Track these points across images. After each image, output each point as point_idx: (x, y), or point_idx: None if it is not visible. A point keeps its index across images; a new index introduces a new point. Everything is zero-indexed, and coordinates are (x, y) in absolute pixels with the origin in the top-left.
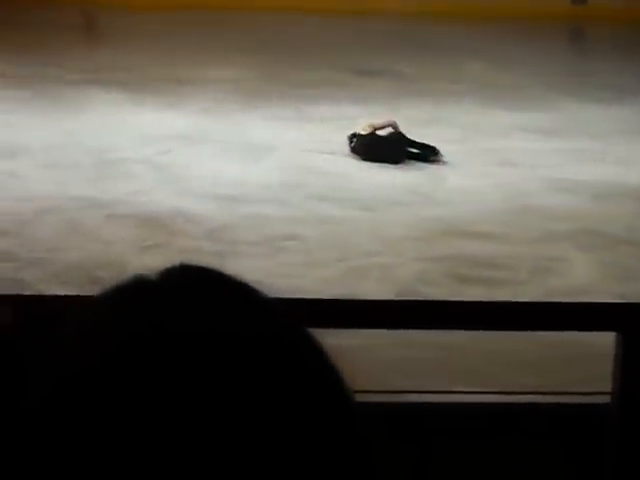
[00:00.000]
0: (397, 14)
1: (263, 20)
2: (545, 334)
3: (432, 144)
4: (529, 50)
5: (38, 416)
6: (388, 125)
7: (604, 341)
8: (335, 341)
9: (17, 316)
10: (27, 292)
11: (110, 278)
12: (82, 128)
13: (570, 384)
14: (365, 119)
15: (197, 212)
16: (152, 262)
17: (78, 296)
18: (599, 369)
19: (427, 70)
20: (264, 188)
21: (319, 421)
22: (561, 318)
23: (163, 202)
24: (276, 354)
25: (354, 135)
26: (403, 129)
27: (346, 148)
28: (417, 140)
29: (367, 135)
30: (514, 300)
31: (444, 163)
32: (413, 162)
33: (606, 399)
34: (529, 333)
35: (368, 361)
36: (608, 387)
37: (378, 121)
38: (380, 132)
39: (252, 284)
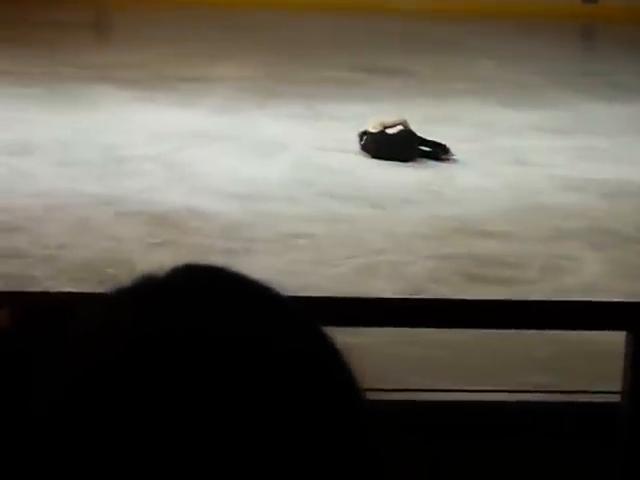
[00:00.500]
0: (409, 13)
1: (275, 18)
2: (555, 333)
3: (443, 142)
4: (540, 49)
5: (49, 419)
6: (398, 123)
7: (614, 340)
8: (346, 339)
9: (16, 319)
10: (37, 289)
11: (120, 275)
12: (93, 125)
13: (580, 383)
14: (376, 117)
15: (208, 210)
16: (162, 260)
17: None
18: (610, 368)
19: (438, 69)
20: (276, 186)
21: (330, 420)
22: (571, 317)
23: (174, 200)
24: (288, 353)
25: (364, 133)
26: (414, 127)
27: (357, 146)
28: (428, 138)
29: (377, 133)
30: (524, 299)
31: (455, 161)
32: (424, 160)
33: (616, 398)
34: (539, 331)
35: (377, 359)
36: (619, 386)
37: (388, 119)
38: (390, 130)
39: (263, 282)
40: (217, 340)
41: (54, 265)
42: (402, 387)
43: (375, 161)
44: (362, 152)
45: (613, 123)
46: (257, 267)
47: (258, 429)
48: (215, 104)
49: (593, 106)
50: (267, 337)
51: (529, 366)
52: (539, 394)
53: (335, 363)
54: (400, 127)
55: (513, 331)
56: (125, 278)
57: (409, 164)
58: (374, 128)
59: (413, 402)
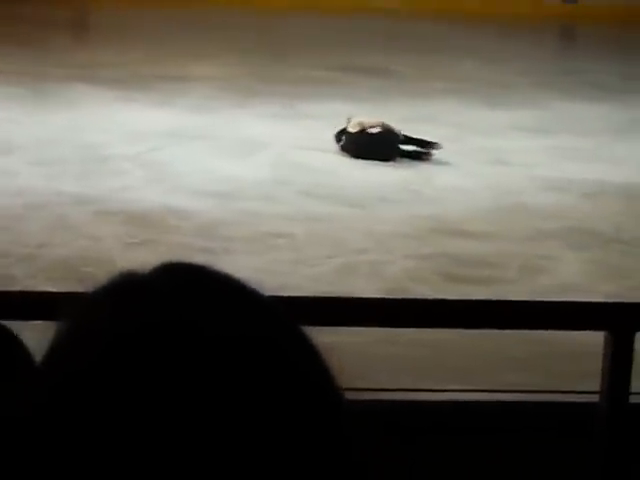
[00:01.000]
0: (390, 12)
1: (256, 17)
2: (534, 333)
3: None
4: (521, 49)
5: (35, 421)
6: (377, 125)
7: (593, 340)
8: (325, 339)
9: None
10: (16, 288)
11: (98, 274)
12: (73, 125)
13: (559, 383)
14: (353, 118)
15: (187, 209)
16: (141, 259)
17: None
18: (588, 368)
19: (420, 68)
20: (255, 185)
21: (307, 419)
22: (550, 317)
23: (153, 199)
24: (267, 352)
25: (342, 133)
26: (396, 126)
27: (337, 145)
28: (415, 136)
29: (356, 133)
30: (503, 299)
31: (435, 161)
32: (404, 160)
33: (595, 398)
34: (518, 331)
35: (357, 359)
36: (597, 386)
37: (367, 120)
38: (371, 130)
39: (243, 280)
40: (197, 339)
41: (33, 264)
42: (382, 387)
43: (355, 160)
44: (341, 152)
45: (594, 123)
46: (236, 266)
47: (235, 428)
48: (194, 103)
49: (574, 106)
50: (247, 336)
51: (508, 366)
52: (518, 394)
53: (314, 362)
54: (379, 129)
55: (492, 331)
56: (104, 277)
57: (389, 164)
58: (353, 128)
59: (393, 402)
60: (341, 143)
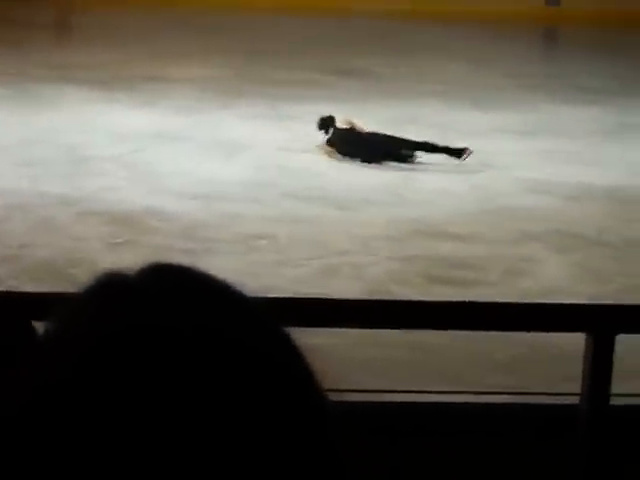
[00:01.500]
0: (377, 15)
1: (237, 19)
2: (517, 335)
3: (461, 146)
4: (505, 51)
5: (16, 426)
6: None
7: (575, 342)
8: (307, 340)
9: None
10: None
11: (81, 275)
12: (55, 125)
13: (541, 385)
14: (342, 115)
15: (169, 210)
16: (123, 260)
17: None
18: (570, 370)
19: (405, 70)
20: (238, 186)
21: (290, 420)
22: (531, 319)
23: (135, 200)
24: (252, 355)
25: (329, 125)
26: (382, 129)
27: (321, 147)
28: (440, 144)
29: (345, 130)
30: (485, 301)
31: (419, 163)
32: (390, 163)
33: (575, 400)
34: (500, 333)
35: (339, 360)
36: (578, 388)
37: (356, 121)
38: (360, 129)
39: (228, 282)
40: (182, 342)
41: (16, 265)
42: (364, 388)
43: (339, 163)
44: (325, 146)
45: (579, 126)
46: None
47: (216, 431)
48: (178, 104)
49: (559, 108)
50: (231, 338)
51: (490, 367)
52: (499, 396)
53: (297, 364)
54: (367, 130)
55: (475, 333)
56: (87, 278)
57: (373, 166)
58: (342, 124)
59: (376, 403)
60: (328, 136)
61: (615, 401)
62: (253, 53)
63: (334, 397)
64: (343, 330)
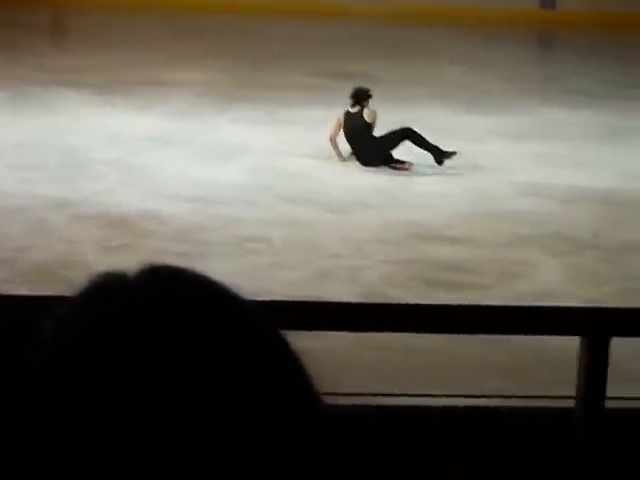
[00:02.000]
0: (373, 19)
1: (236, 23)
2: (512, 338)
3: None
4: (500, 54)
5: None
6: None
7: (569, 345)
8: (302, 343)
9: None
10: None
11: (76, 278)
12: (51, 129)
13: (535, 388)
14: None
15: (164, 213)
16: (118, 263)
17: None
18: (564, 373)
19: (401, 74)
20: (234, 189)
21: (285, 423)
22: (526, 322)
23: (130, 203)
24: (245, 358)
25: (358, 96)
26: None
27: (316, 151)
28: (430, 142)
29: (365, 122)
30: (480, 304)
31: (414, 166)
32: (386, 168)
33: (571, 403)
34: (497, 337)
35: (335, 363)
36: (573, 391)
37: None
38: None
39: (225, 285)
40: (176, 345)
41: (11, 268)
42: (359, 391)
43: (334, 166)
44: (339, 120)
45: (572, 129)
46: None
47: (211, 433)
48: (174, 108)
49: (553, 112)
50: (227, 343)
51: (485, 371)
52: (495, 399)
53: (293, 367)
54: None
55: (470, 336)
56: (81, 281)
57: (368, 169)
58: (369, 118)
59: (371, 407)
60: (345, 110)
61: (610, 404)
62: (249, 57)
63: (330, 400)
64: (338, 333)
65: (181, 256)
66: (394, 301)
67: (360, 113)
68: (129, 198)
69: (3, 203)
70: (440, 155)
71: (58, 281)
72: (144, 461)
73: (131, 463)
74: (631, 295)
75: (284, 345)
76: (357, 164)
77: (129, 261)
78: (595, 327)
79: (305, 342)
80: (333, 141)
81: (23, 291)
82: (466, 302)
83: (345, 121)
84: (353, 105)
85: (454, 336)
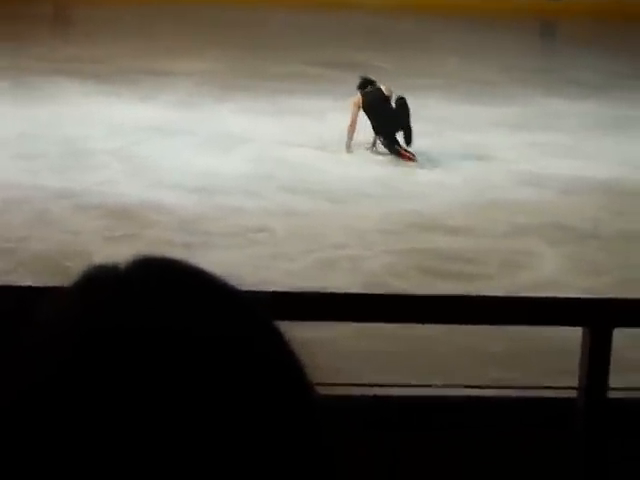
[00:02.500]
0: (374, 9)
1: (239, 13)
2: (513, 329)
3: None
4: (503, 45)
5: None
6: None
7: (572, 336)
8: (303, 334)
9: None
10: None
11: (78, 269)
12: (54, 119)
13: (537, 378)
14: (334, 112)
15: (167, 203)
16: (120, 253)
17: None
18: (566, 364)
19: (402, 64)
20: (236, 180)
21: (279, 415)
22: (528, 312)
23: (133, 193)
24: (238, 350)
25: (365, 84)
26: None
27: (317, 140)
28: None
29: (383, 95)
30: (482, 294)
31: (415, 156)
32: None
33: (573, 394)
34: (498, 327)
35: (336, 354)
36: (575, 382)
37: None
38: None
39: (219, 276)
40: (169, 336)
41: (13, 258)
42: (360, 382)
43: (335, 156)
44: (356, 98)
45: (573, 119)
46: (215, 261)
47: (203, 424)
48: (177, 98)
49: (554, 102)
50: (219, 335)
51: (487, 361)
52: (497, 389)
53: (285, 358)
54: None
55: (472, 327)
56: (80, 272)
57: (370, 158)
58: (387, 91)
59: (370, 397)
60: (364, 91)
61: (613, 394)
62: (251, 47)
63: (327, 391)
64: (339, 323)
65: (183, 246)
66: (395, 291)
67: (378, 88)
68: (131, 188)
69: (5, 193)
70: (410, 136)
71: (60, 271)
72: (137, 451)
73: (124, 453)
74: (631, 285)
75: (277, 336)
76: (359, 155)
77: (131, 251)
78: (598, 318)
79: (303, 332)
80: (354, 126)
81: (25, 281)
82: (467, 292)
83: (364, 98)
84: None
85: (455, 326)
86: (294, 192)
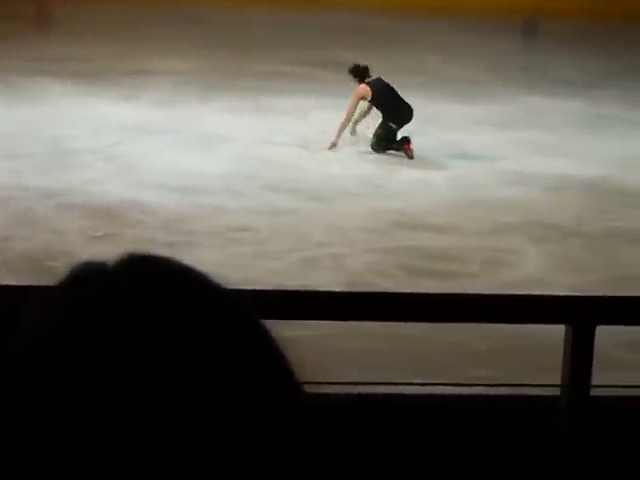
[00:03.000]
0: (357, 7)
1: (221, 12)
2: (497, 326)
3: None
4: (486, 43)
5: None
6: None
7: (554, 333)
8: (287, 332)
9: None
10: None
11: (62, 268)
12: (36, 118)
13: (520, 376)
14: (317, 110)
15: (150, 203)
16: (104, 252)
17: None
18: (549, 361)
19: (386, 63)
20: (218, 179)
21: (265, 413)
22: (511, 310)
23: (116, 193)
24: (225, 347)
25: (357, 72)
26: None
27: (300, 139)
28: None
29: (389, 85)
30: (466, 292)
31: (399, 155)
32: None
33: (556, 391)
34: (481, 325)
35: (320, 352)
36: (558, 379)
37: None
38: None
39: (205, 273)
40: (154, 334)
41: None
42: (344, 380)
43: (318, 154)
44: (360, 87)
45: (556, 118)
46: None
47: (193, 423)
48: (159, 97)
49: (538, 101)
50: (207, 329)
51: (471, 359)
52: (480, 387)
53: (271, 355)
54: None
55: (455, 325)
56: (66, 270)
57: (355, 155)
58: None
59: (355, 395)
60: (367, 80)
61: (596, 392)
62: (234, 46)
63: (314, 389)
64: (323, 322)
65: (167, 245)
66: (379, 289)
67: (378, 76)
68: (114, 188)
69: None
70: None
71: (44, 271)
72: (126, 447)
73: (113, 449)
74: (614, 283)
75: (263, 333)
76: (343, 153)
77: (115, 251)
78: (580, 315)
79: (290, 331)
80: (347, 121)
81: (8, 281)
82: (451, 290)
83: (373, 88)
84: (359, 79)
85: (439, 324)
86: (277, 191)
